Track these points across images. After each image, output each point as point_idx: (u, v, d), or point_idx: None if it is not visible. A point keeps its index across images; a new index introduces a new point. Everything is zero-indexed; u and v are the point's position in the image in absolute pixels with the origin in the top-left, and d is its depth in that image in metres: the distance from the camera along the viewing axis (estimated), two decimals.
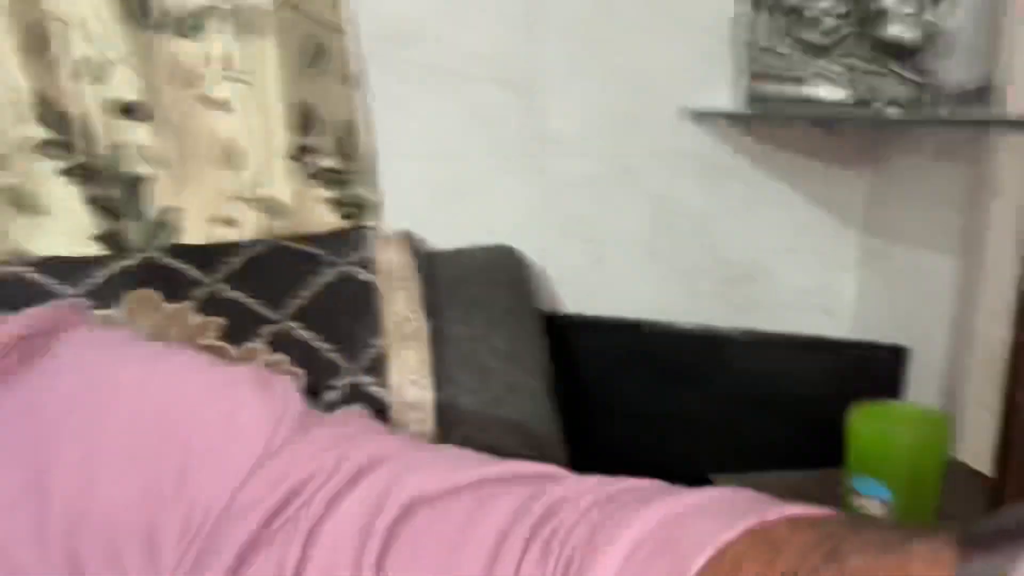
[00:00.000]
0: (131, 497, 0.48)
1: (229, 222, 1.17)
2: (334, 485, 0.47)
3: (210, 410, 0.50)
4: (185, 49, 1.11)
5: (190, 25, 1.11)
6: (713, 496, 0.43)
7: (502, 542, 0.43)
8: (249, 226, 1.17)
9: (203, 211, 1.15)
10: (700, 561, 0.37)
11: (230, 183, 1.15)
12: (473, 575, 0.42)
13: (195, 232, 1.15)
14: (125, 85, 1.09)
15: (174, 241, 1.13)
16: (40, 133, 1.07)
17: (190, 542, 0.46)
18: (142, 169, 1.12)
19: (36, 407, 0.50)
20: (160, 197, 1.13)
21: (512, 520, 0.44)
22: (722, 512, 0.41)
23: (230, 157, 1.15)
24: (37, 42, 1.05)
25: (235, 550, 0.45)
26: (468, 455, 0.51)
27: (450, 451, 0.52)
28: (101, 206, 1.11)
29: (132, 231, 1.13)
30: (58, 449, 0.49)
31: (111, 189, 1.12)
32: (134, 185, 1.12)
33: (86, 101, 1.08)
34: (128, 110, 1.10)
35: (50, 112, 1.07)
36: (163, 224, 1.14)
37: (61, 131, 1.08)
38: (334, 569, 0.44)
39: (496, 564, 0.42)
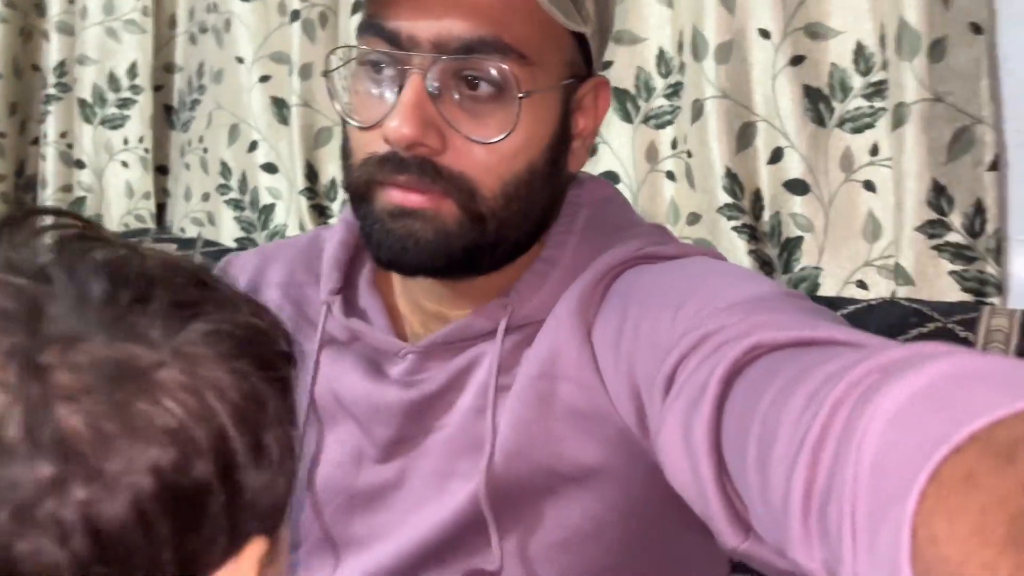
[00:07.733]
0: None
1: (860, 284, 1.35)
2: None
3: None
4: (850, 143, 1.36)
5: (858, 125, 1.36)
6: (1002, 364, 0.44)
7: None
8: (877, 290, 1.33)
9: (840, 273, 1.36)
10: (971, 427, 0.39)
11: (865, 252, 1.34)
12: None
13: (830, 289, 1.36)
14: (794, 166, 1.38)
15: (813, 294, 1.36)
16: (726, 199, 1.42)
17: None
18: (796, 233, 1.39)
19: None
20: (806, 257, 1.38)
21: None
22: (1007, 383, 0.42)
23: (869, 229, 1.35)
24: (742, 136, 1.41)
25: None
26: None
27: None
28: (761, 260, 1.41)
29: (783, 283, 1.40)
30: None
31: (770, 247, 1.41)
32: (787, 246, 1.40)
33: (762, 177, 1.40)
34: (791, 185, 1.38)
35: (736, 184, 1.41)
36: (804, 278, 1.38)
37: (738, 199, 1.41)
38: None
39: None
